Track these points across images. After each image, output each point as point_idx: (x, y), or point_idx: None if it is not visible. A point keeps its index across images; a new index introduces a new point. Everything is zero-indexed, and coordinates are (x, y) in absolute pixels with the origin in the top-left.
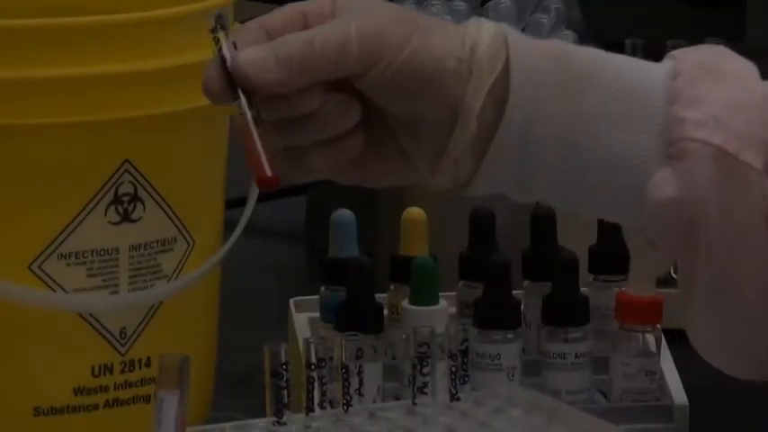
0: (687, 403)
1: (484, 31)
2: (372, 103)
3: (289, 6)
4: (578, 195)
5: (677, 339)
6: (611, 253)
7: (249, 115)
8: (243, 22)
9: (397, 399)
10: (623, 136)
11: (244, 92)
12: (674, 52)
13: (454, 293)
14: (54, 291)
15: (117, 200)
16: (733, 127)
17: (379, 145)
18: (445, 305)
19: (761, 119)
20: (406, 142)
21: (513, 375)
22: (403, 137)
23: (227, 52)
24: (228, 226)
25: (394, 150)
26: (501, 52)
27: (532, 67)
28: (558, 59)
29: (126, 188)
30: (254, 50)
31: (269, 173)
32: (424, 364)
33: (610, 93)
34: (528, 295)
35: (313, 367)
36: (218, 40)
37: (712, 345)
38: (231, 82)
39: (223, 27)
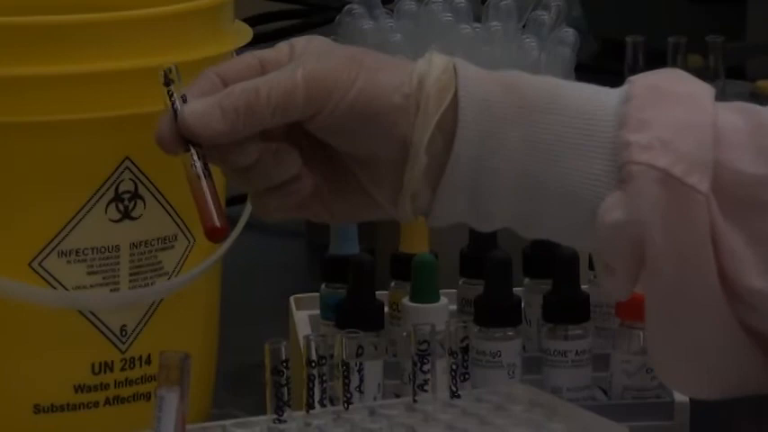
0: (688, 400)
1: (433, 66)
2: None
3: (247, 54)
4: (535, 223)
5: None
6: None
7: (198, 167)
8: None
9: (398, 396)
10: (577, 163)
11: (193, 143)
12: (632, 77)
13: (455, 291)
14: (54, 288)
15: (117, 197)
16: (680, 149)
17: (341, 183)
18: (446, 302)
19: (710, 141)
20: (364, 179)
21: (513, 373)
22: (361, 174)
23: (177, 105)
24: (229, 223)
25: (355, 187)
26: (449, 85)
27: (484, 99)
28: (510, 89)
29: (126, 186)
30: (199, 102)
31: (217, 223)
32: (425, 361)
33: (563, 121)
34: (528, 292)
35: (313, 365)
36: (171, 93)
37: (667, 366)
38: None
39: (173, 80)
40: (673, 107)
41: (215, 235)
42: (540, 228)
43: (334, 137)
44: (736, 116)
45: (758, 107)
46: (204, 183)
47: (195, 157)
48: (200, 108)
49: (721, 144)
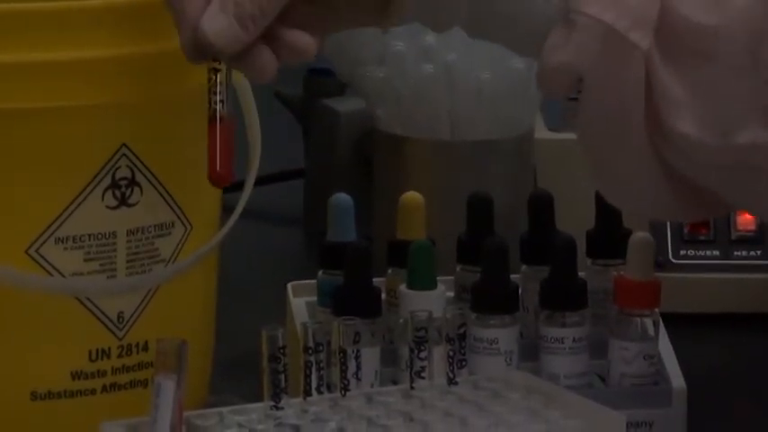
0: (685, 387)
1: None
2: None
3: None
4: (486, 22)
5: (675, 323)
6: (609, 237)
7: (216, 100)
8: None
9: (395, 383)
10: None
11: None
12: None
13: (452, 277)
14: (51, 275)
15: (114, 184)
16: (627, 4)
17: None
18: (443, 289)
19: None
20: None
21: (510, 359)
22: None
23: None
24: (226, 210)
25: None
26: None
27: None
28: None
29: (123, 172)
30: (217, 21)
31: (219, 168)
32: (422, 348)
33: None
34: (526, 279)
35: (310, 351)
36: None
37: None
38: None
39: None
40: None
41: (218, 180)
42: (489, 31)
43: None
44: None
45: None
46: (217, 126)
47: (218, 81)
48: (220, 26)
49: None
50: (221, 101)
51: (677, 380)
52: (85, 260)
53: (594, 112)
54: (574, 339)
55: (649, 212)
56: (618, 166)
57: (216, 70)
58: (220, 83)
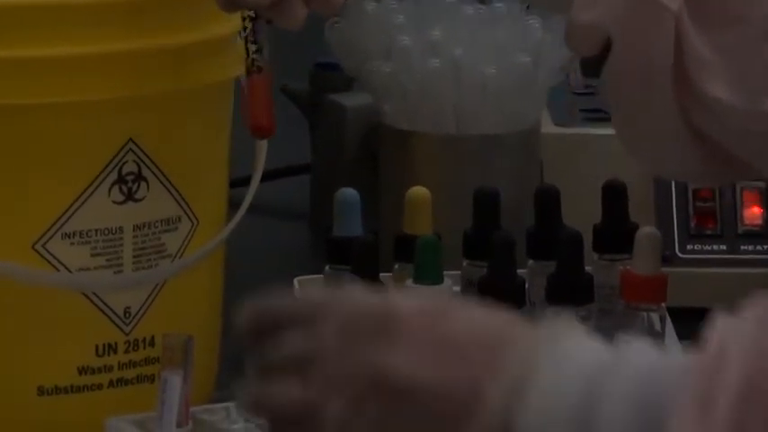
0: None
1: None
2: None
3: None
4: None
5: (682, 318)
6: (615, 231)
7: (254, 52)
8: None
9: None
10: None
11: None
12: None
13: (458, 272)
14: (58, 270)
15: (121, 179)
16: None
17: None
18: (449, 284)
19: None
20: None
21: None
22: None
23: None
24: (233, 205)
25: None
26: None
27: None
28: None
29: (130, 167)
30: None
31: (265, 121)
32: None
33: None
34: (532, 274)
35: None
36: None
37: (628, 145)
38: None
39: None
40: None
41: (261, 132)
42: None
43: None
44: None
45: None
46: (256, 76)
47: (254, 30)
48: None
49: None
50: (258, 50)
51: None
52: (92, 255)
53: (622, 72)
54: None
55: (675, 174)
56: (644, 127)
57: (252, 18)
58: (257, 32)
